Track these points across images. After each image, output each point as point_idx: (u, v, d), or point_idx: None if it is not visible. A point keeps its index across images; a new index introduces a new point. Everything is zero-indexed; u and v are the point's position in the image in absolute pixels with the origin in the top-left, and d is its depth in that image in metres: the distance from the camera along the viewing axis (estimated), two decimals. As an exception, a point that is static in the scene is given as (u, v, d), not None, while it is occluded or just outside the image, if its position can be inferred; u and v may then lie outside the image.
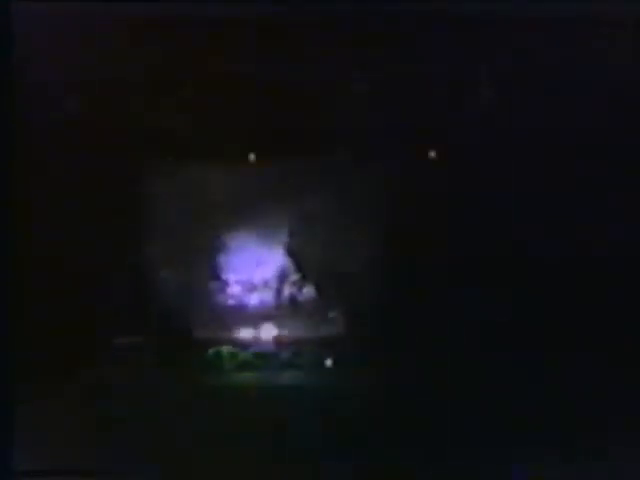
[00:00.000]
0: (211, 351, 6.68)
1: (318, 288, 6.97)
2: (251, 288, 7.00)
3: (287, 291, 7.00)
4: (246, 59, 6.18)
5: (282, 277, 7.02)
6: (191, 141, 6.58)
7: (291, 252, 7.00)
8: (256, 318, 6.89)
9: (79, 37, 5.81)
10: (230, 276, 6.99)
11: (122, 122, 6.31)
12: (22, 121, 5.87)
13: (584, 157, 6.24)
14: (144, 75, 6.15)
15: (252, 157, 6.86)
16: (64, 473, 5.44)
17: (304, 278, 7.00)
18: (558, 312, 6.25)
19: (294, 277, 7.02)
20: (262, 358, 6.73)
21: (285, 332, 6.84)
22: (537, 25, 5.99)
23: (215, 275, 6.96)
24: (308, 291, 6.98)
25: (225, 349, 6.70)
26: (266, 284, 7.02)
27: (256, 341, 6.79)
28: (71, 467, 5.42)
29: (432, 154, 6.72)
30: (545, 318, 6.24)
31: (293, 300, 6.97)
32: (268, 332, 6.83)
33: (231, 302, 6.96)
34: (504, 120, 6.32)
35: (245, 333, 6.82)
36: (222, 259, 6.95)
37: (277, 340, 6.78)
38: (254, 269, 7.00)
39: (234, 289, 6.98)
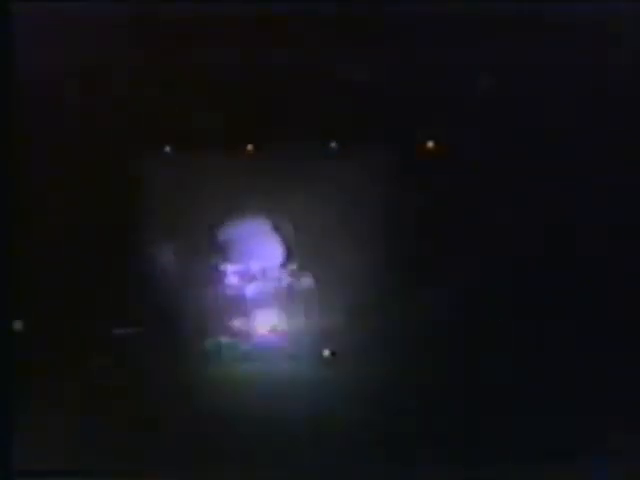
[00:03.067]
0: (209, 342, 6.70)
1: (317, 279, 7.00)
2: (249, 279, 7.02)
3: (285, 281, 7.02)
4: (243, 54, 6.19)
5: (280, 267, 7.05)
6: (190, 131, 6.60)
7: (289, 242, 7.01)
8: (254, 308, 6.91)
9: (78, 36, 5.81)
10: (228, 266, 7.01)
11: (121, 117, 6.31)
12: (22, 120, 5.87)
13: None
14: (143, 74, 6.14)
15: (250, 147, 6.87)
16: (64, 473, 5.45)
17: (302, 268, 7.02)
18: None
19: (292, 267, 7.04)
20: (260, 349, 6.74)
21: (283, 322, 6.86)
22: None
23: (213, 265, 6.98)
24: (306, 282, 7.00)
25: (223, 340, 6.72)
26: (264, 274, 7.04)
27: (254, 332, 6.81)
28: (71, 467, 5.44)
29: (430, 146, 6.75)
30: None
31: (291, 291, 6.99)
32: (266, 322, 6.85)
33: (229, 292, 6.99)
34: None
35: (243, 324, 6.83)
36: (219, 249, 6.97)
37: (274, 331, 6.81)
38: (252, 259, 7.03)
39: (232, 280, 7.01)
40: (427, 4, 5.98)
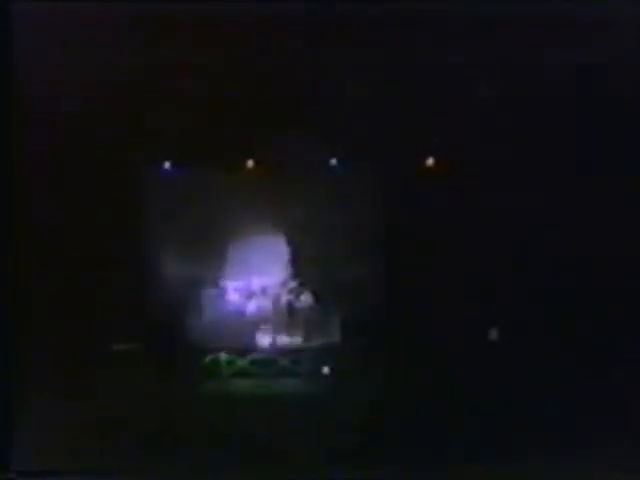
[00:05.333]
0: (209, 358, 6.67)
1: (316, 295, 6.98)
2: (249, 295, 7.00)
3: (284, 298, 7.01)
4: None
5: (280, 284, 7.04)
6: (189, 145, 6.62)
7: (289, 259, 7.01)
8: (254, 325, 6.88)
9: (79, 37, 5.82)
10: (228, 283, 7.00)
11: (121, 122, 6.32)
12: (22, 120, 5.87)
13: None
14: (143, 74, 6.16)
15: (250, 163, 6.89)
16: (64, 473, 5.39)
17: (302, 285, 7.01)
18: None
19: (292, 284, 7.03)
20: (259, 365, 6.70)
21: (282, 339, 6.83)
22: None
23: (213, 282, 6.97)
24: (306, 299, 6.99)
25: (222, 356, 6.69)
26: (264, 291, 7.02)
27: (253, 348, 6.78)
28: (71, 467, 5.38)
29: (431, 160, 6.78)
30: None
31: (291, 307, 6.97)
32: (265, 339, 6.82)
33: (229, 309, 6.97)
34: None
35: (243, 340, 6.80)
36: (220, 266, 6.96)
37: (274, 347, 6.78)
38: (252, 276, 7.02)
39: (232, 296, 6.99)
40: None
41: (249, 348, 6.77)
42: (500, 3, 5.89)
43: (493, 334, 6.61)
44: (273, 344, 6.80)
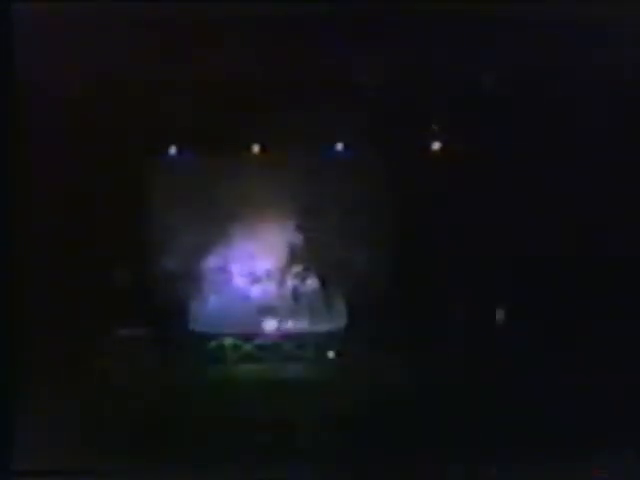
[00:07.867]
0: (214, 343, 6.71)
1: (321, 280, 7.00)
2: (254, 280, 7.03)
3: (290, 283, 7.03)
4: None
5: (285, 269, 7.06)
6: (192, 134, 6.63)
7: (294, 244, 7.02)
8: (259, 310, 6.91)
9: (78, 37, 5.82)
10: (233, 268, 7.02)
11: (121, 118, 6.35)
12: (23, 119, 5.88)
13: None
14: (143, 73, 6.16)
15: (255, 149, 6.88)
16: (64, 473, 5.44)
17: (307, 270, 7.02)
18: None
19: (297, 269, 7.04)
20: (264, 350, 6.74)
21: (287, 324, 6.86)
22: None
23: (218, 267, 6.99)
24: (311, 283, 7.01)
25: (228, 341, 6.73)
26: (269, 276, 7.04)
27: (259, 333, 6.81)
28: (71, 467, 5.43)
29: (436, 146, 6.78)
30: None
31: (296, 292, 7.00)
32: (270, 324, 6.84)
33: (234, 294, 7.00)
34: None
35: (248, 325, 6.83)
36: (225, 251, 6.98)
37: (279, 332, 6.81)
38: (257, 261, 7.04)
39: (237, 281, 7.02)
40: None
41: (254, 333, 6.82)
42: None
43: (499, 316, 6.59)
44: (278, 329, 6.83)
